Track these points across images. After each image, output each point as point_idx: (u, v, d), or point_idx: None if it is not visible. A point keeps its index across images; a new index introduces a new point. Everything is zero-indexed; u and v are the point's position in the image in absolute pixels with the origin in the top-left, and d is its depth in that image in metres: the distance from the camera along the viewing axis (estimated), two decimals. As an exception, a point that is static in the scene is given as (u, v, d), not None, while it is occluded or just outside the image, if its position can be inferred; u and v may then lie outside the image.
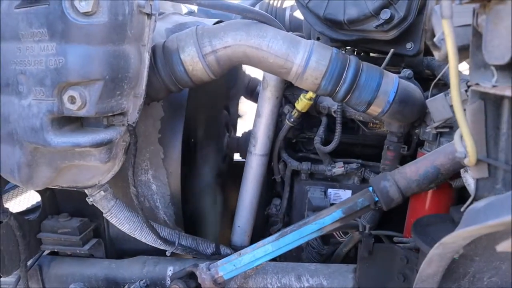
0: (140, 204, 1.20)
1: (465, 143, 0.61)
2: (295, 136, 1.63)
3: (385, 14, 1.22)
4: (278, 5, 2.26)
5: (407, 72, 1.28)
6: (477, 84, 0.61)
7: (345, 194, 1.63)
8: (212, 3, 1.07)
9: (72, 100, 0.95)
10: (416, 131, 1.32)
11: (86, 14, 0.90)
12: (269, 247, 1.08)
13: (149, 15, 1.03)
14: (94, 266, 1.43)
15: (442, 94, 0.82)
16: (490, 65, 0.59)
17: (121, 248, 1.55)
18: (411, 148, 1.38)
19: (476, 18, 0.60)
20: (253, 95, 2.27)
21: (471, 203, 0.67)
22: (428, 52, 1.39)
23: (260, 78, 2.13)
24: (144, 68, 1.07)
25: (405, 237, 1.43)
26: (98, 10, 0.90)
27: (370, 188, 1.06)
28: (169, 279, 1.35)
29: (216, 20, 1.66)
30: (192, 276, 1.14)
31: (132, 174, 1.16)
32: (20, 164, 1.06)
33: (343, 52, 1.16)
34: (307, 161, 1.61)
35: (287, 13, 2.17)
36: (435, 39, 0.66)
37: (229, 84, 1.96)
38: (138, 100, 1.10)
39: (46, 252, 1.49)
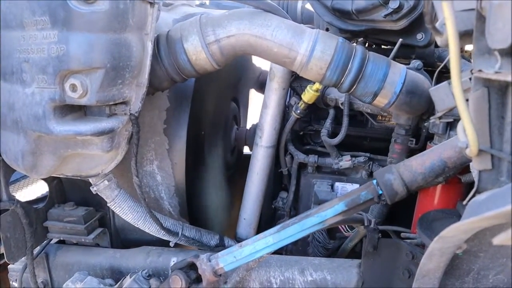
0: (143, 194, 1.20)
1: (466, 133, 0.59)
2: (302, 128, 1.61)
3: (394, 3, 1.19)
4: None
5: (416, 63, 1.24)
6: (480, 70, 0.58)
7: (352, 187, 1.60)
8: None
9: (74, 88, 0.95)
10: (425, 124, 1.29)
11: (87, 2, 0.90)
12: (270, 239, 1.06)
13: (151, 4, 1.03)
14: (99, 255, 1.44)
15: (445, 82, 0.79)
16: (494, 51, 0.56)
17: (126, 238, 1.56)
18: (420, 141, 1.34)
19: (480, 0, 0.57)
20: (263, 88, 2.26)
21: (474, 195, 0.64)
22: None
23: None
24: (147, 57, 1.07)
25: (413, 232, 1.40)
26: (98, -2, 0.90)
27: (374, 181, 1.04)
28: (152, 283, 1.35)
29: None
30: (193, 267, 1.14)
31: (134, 164, 1.15)
32: (24, 152, 1.06)
33: (349, 42, 1.13)
34: (314, 154, 1.59)
35: (299, 5, 2.15)
36: (437, 24, 0.63)
37: (238, 76, 1.95)
38: (140, 89, 1.09)
39: (54, 240, 1.51)
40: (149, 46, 1.06)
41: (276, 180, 1.78)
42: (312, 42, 1.09)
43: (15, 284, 1.49)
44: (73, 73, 0.95)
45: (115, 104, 1.04)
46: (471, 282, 0.87)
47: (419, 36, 1.32)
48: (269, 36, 1.09)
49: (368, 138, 1.58)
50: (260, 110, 1.52)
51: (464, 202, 0.74)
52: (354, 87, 1.12)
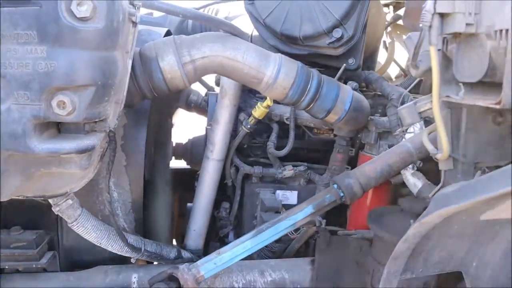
0: (113, 210, 1.20)
1: (440, 143, 0.79)
2: (247, 142, 1.73)
3: (337, 33, 1.40)
4: (213, 14, 2.38)
5: (353, 84, 1.47)
6: (448, 96, 0.79)
7: (292, 194, 1.77)
8: (195, 14, 1.14)
9: (62, 105, 0.93)
10: (359, 135, 1.52)
11: (82, 19, 0.90)
12: (247, 243, 1.16)
13: (134, 23, 1.06)
14: (50, 281, 1.35)
15: (411, 102, 1.00)
16: (459, 82, 0.77)
17: (74, 260, 1.49)
18: (355, 149, 1.58)
19: (446, 45, 0.78)
20: (190, 105, 2.34)
21: (439, 189, 0.85)
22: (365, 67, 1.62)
23: (197, 90, 2.22)
24: (127, 75, 1.09)
25: (349, 229, 1.62)
26: (95, 16, 0.91)
27: (335, 186, 1.21)
28: (136, 285, 1.35)
29: (165, 29, 1.70)
30: (171, 278, 1.17)
31: (108, 180, 1.15)
32: (-9, 172, 0.99)
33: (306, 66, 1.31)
34: (258, 165, 1.72)
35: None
36: (415, 61, 0.83)
37: (176, 95, 2.00)
38: (118, 106, 1.11)
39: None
40: (129, 64, 1.09)
41: (218, 191, 1.86)
42: (277, 65, 1.24)
43: None
44: (61, 90, 0.93)
45: (95, 122, 1.04)
46: (422, 261, 1.09)
47: (350, 60, 1.55)
48: (240, 59, 1.20)
49: (305, 149, 1.77)
50: (211, 126, 1.60)
51: (430, 195, 0.94)
52: (312, 105, 1.29)
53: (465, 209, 0.77)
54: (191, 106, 2.37)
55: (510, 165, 0.64)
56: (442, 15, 0.73)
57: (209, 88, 2.31)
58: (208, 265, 1.16)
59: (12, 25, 0.91)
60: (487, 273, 1.19)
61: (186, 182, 2.09)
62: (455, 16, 0.71)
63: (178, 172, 2.17)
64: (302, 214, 1.18)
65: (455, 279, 1.37)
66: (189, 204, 2.05)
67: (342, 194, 1.20)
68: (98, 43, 0.94)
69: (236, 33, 1.24)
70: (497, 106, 0.66)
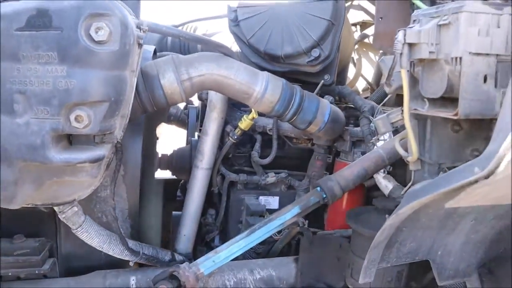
0: (116, 216, 1.29)
1: (410, 148, 0.96)
2: (232, 151, 1.86)
3: (315, 53, 1.57)
4: (192, 30, 2.52)
5: (329, 98, 1.64)
6: (415, 109, 0.96)
7: (274, 199, 1.91)
8: (194, 37, 1.27)
9: (79, 119, 1.03)
10: (335, 144, 1.69)
11: (99, 42, 1.01)
12: (242, 242, 1.29)
13: (139, 45, 1.18)
14: (52, 286, 1.42)
15: (385, 115, 1.17)
16: (424, 98, 0.94)
17: (71, 266, 1.55)
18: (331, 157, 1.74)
19: (414, 68, 0.96)
20: (170, 118, 2.45)
21: (409, 188, 1.02)
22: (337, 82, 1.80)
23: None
24: (132, 92, 1.20)
25: (327, 230, 1.78)
26: (110, 40, 1.02)
27: (318, 188, 1.36)
28: (134, 286, 1.43)
29: (153, 47, 1.81)
30: (172, 277, 1.27)
31: (113, 187, 1.24)
32: (6, 182, 1.07)
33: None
34: (243, 173, 1.85)
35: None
36: (389, 81, 0.99)
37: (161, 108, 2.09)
38: (123, 120, 1.21)
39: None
40: (134, 82, 1.20)
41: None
42: (264, 82, 1.38)
43: None
44: (79, 105, 1.03)
45: (104, 134, 1.14)
46: (394, 253, 1.26)
47: (326, 77, 1.73)
48: (233, 77, 1.34)
49: (285, 158, 1.92)
50: (200, 137, 1.72)
51: (402, 192, 1.11)
52: (295, 117, 1.45)
53: (432, 201, 0.93)
54: (170, 119, 2.48)
55: (463, 164, 0.80)
56: (410, 45, 0.90)
57: (189, 103, 2.43)
58: (207, 263, 1.27)
59: (33, 47, 1.01)
60: (450, 260, 1.38)
61: (168, 192, 2.18)
62: (420, 45, 0.89)
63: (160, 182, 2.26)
64: (290, 214, 1.32)
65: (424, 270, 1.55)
66: (174, 213, 2.15)
67: (324, 196, 1.35)
68: (112, 64, 1.05)
69: (229, 53, 1.38)
70: (455, 117, 0.83)
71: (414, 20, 0.95)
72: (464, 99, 0.83)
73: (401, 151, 1.04)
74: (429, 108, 0.94)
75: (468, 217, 1.25)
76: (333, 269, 1.54)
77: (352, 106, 1.80)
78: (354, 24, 2.40)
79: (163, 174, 2.30)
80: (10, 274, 1.38)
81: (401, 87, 0.98)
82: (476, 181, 0.74)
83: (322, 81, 1.61)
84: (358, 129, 1.63)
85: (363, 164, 1.36)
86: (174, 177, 2.21)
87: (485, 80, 0.84)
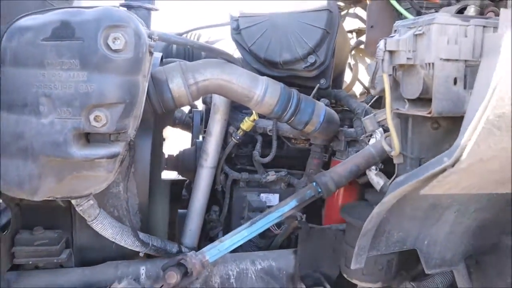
0: (128, 208, 1.41)
1: (393, 143, 1.07)
2: (235, 151, 1.98)
3: (311, 59, 1.69)
4: (195, 39, 2.64)
5: (325, 101, 1.76)
6: (397, 109, 1.08)
7: (274, 197, 2.02)
8: (200, 45, 1.40)
9: (98, 119, 1.16)
10: (331, 144, 1.81)
11: (116, 51, 1.14)
12: (244, 232, 1.40)
13: (150, 53, 1.30)
14: (67, 275, 1.53)
15: (372, 114, 1.29)
16: (404, 98, 1.06)
17: (84, 258, 1.67)
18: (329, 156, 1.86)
19: (395, 72, 1.08)
20: (175, 122, 2.58)
21: (393, 180, 1.13)
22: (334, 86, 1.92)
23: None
24: (144, 95, 1.32)
25: (324, 225, 1.89)
26: (126, 48, 1.15)
27: (314, 183, 1.48)
28: (144, 276, 1.55)
29: (160, 54, 1.94)
30: (180, 265, 1.39)
31: (126, 182, 1.37)
32: (31, 176, 1.20)
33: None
34: (245, 172, 1.97)
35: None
36: (373, 84, 1.11)
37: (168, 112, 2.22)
38: (136, 120, 1.33)
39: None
40: (146, 86, 1.32)
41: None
42: (264, 86, 1.51)
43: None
44: (98, 107, 1.16)
45: (118, 133, 1.27)
46: (384, 242, 1.37)
47: (322, 81, 1.85)
48: (235, 81, 1.46)
49: (285, 157, 2.04)
50: (205, 137, 1.85)
51: (388, 183, 1.22)
52: (293, 118, 1.57)
53: (415, 192, 1.04)
54: (175, 122, 2.60)
55: (437, 156, 0.92)
56: (391, 52, 1.02)
57: (193, 106, 2.55)
58: (212, 251, 1.39)
59: (58, 55, 1.14)
60: (436, 249, 1.49)
61: (174, 192, 2.30)
62: (399, 52, 1.01)
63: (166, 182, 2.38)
64: (288, 207, 1.44)
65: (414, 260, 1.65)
66: (179, 211, 2.26)
67: (320, 190, 1.46)
68: (127, 70, 1.18)
69: (231, 60, 1.50)
70: (429, 115, 0.95)
71: (395, 30, 1.08)
72: (437, 99, 0.95)
73: (386, 147, 1.15)
74: (409, 108, 1.06)
75: (451, 208, 1.37)
76: (329, 259, 1.66)
77: (347, 109, 1.92)
78: (350, 31, 2.52)
79: (169, 175, 2.44)
80: (30, 262, 1.50)
81: (384, 90, 1.10)
82: (444, 170, 0.85)
83: (318, 85, 1.73)
84: (352, 130, 1.74)
85: (355, 161, 1.48)
86: (180, 178, 2.33)
87: (455, 82, 0.96)
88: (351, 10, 2.50)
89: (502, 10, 0.85)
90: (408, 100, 1.05)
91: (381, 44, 1.01)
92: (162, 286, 1.35)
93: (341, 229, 1.67)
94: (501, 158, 0.88)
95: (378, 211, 1.14)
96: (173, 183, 2.41)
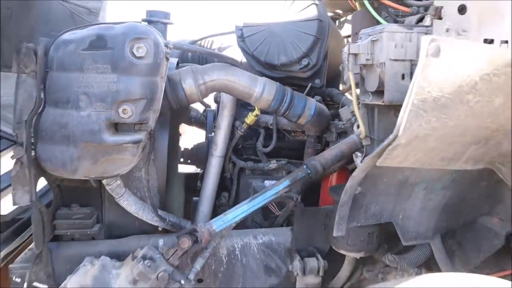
0: (149, 187, 1.70)
1: (360, 128, 1.33)
2: (241, 143, 2.26)
3: (305, 61, 1.96)
4: (208, 45, 2.93)
5: (317, 98, 2.03)
6: (363, 100, 1.34)
7: (276, 184, 2.29)
8: (207, 52, 1.68)
9: (125, 111, 1.45)
10: (325, 135, 2.07)
11: (139, 58, 1.44)
12: (245, 206, 1.68)
13: (167, 59, 1.59)
14: (98, 246, 1.82)
15: (346, 106, 1.53)
16: (368, 91, 1.32)
17: (112, 233, 1.96)
18: (322, 146, 2.12)
19: (361, 70, 1.34)
20: (191, 120, 2.87)
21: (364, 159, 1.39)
22: (327, 85, 2.18)
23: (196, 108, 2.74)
24: (161, 93, 1.61)
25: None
26: (147, 55, 1.44)
27: (305, 166, 1.74)
28: (162, 247, 1.83)
29: (176, 59, 2.24)
30: (191, 234, 1.66)
31: (148, 166, 1.66)
32: (72, 158, 1.50)
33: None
34: (250, 161, 2.24)
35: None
36: (343, 80, 1.37)
37: (188, 110, 2.53)
38: (155, 113, 1.62)
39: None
40: (163, 85, 1.62)
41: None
42: (262, 85, 1.78)
43: (18, 280, 1.77)
44: (125, 102, 1.45)
45: (141, 124, 1.56)
46: (362, 213, 1.61)
47: (317, 81, 2.11)
48: (237, 81, 1.75)
49: (285, 148, 2.30)
50: (214, 131, 2.13)
51: (359, 162, 1.48)
52: (287, 112, 1.84)
53: (372, 164, 1.28)
54: (191, 121, 2.90)
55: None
56: (355, 54, 1.28)
57: (207, 106, 2.84)
58: (218, 222, 1.66)
59: (94, 61, 1.44)
60: (410, 223, 1.72)
61: (189, 184, 2.59)
62: (360, 55, 1.27)
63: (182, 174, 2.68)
64: (282, 186, 1.70)
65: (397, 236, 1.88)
66: (194, 198, 2.55)
67: (309, 171, 1.73)
68: (148, 72, 1.47)
69: (234, 64, 1.79)
70: (382, 103, 1.20)
71: (360, 37, 1.34)
72: (388, 91, 1.20)
73: (356, 131, 1.41)
74: (372, 99, 1.32)
75: (419, 186, 1.61)
76: (321, 235, 1.91)
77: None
78: (347, 36, 2.77)
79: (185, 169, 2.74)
80: (68, 233, 1.81)
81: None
82: (389, 144, 1.11)
83: (310, 84, 2.00)
84: (342, 122, 2.00)
85: (340, 147, 1.74)
86: (194, 171, 2.63)
87: (403, 77, 1.21)
88: (349, 17, 2.76)
89: (434, 20, 1.10)
90: (371, 92, 1.31)
91: (345, 48, 1.27)
92: (176, 250, 1.63)
93: (331, 209, 1.92)
94: (435, 136, 1.13)
95: (351, 184, 1.39)
96: (188, 176, 2.71)
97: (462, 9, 1.12)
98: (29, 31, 3.30)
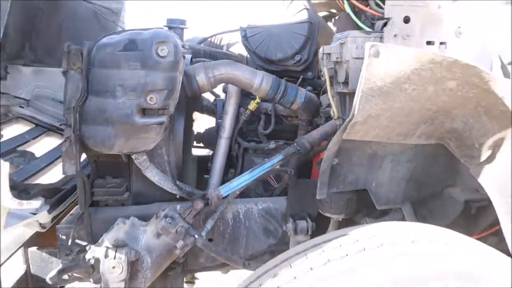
0: (170, 162, 2.11)
1: (334, 111, 1.72)
2: (245, 126, 2.65)
3: (298, 57, 2.34)
4: (218, 42, 3.31)
5: (308, 88, 2.41)
6: (336, 90, 1.72)
7: (276, 162, 2.68)
8: (215, 51, 2.07)
9: (152, 99, 1.86)
10: (315, 119, 2.46)
11: (162, 57, 1.83)
12: (246, 176, 2.08)
13: (184, 57, 1.99)
14: (127, 210, 2.23)
15: (325, 94, 1.90)
16: (340, 82, 1.70)
17: (138, 201, 2.37)
18: (313, 129, 2.50)
19: (335, 66, 1.72)
20: (202, 109, 3.27)
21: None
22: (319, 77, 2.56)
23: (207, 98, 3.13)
24: (179, 84, 2.01)
25: (312, 181, 2.53)
26: (168, 55, 1.84)
27: (295, 144, 2.14)
28: (179, 209, 2.24)
29: (190, 56, 2.63)
30: (203, 197, 2.07)
31: (168, 142, 2.06)
32: (110, 136, 1.90)
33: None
34: (253, 142, 2.64)
35: (224, 48, 3.23)
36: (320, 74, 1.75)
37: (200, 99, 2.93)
38: (174, 101, 2.02)
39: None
40: (180, 78, 2.01)
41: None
42: (261, 77, 2.17)
43: (63, 237, 2.19)
44: (151, 92, 1.85)
45: (163, 109, 1.96)
46: (341, 183, 1.99)
47: (309, 73, 2.49)
48: (240, 74, 2.14)
49: (282, 131, 2.69)
50: (222, 116, 2.53)
51: (333, 139, 1.87)
52: (282, 99, 2.23)
53: (340, 138, 1.65)
54: (203, 109, 3.29)
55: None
56: (328, 54, 1.66)
57: (217, 96, 3.23)
58: (225, 188, 2.07)
59: (126, 60, 1.83)
60: (382, 191, 2.09)
61: (202, 165, 2.99)
62: (332, 54, 1.64)
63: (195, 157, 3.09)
64: (276, 159, 2.10)
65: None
66: (205, 176, 2.96)
67: (299, 148, 2.12)
68: (169, 68, 1.86)
69: (238, 60, 2.18)
70: (347, 91, 1.58)
71: (334, 40, 1.71)
72: (351, 81, 1.58)
73: (331, 114, 1.80)
74: (342, 88, 1.70)
75: (387, 158, 1.98)
76: (311, 203, 2.30)
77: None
78: (340, 33, 3.14)
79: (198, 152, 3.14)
80: (103, 199, 2.23)
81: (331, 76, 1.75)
82: (350, 121, 1.49)
83: (302, 76, 2.39)
84: (328, 109, 2.38)
85: (324, 128, 2.12)
86: (206, 154, 3.04)
87: (363, 71, 1.59)
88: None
89: (385, 28, 1.47)
90: (342, 83, 1.69)
91: (321, 49, 1.65)
92: (191, 211, 2.04)
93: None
94: (386, 116, 1.50)
95: (327, 155, 1.77)
96: (200, 158, 3.12)
97: (407, 20, 1.48)
98: (57, 29, 3.76)
